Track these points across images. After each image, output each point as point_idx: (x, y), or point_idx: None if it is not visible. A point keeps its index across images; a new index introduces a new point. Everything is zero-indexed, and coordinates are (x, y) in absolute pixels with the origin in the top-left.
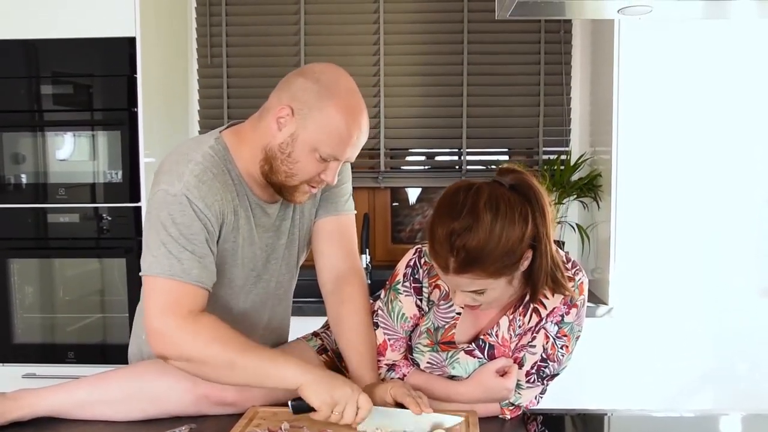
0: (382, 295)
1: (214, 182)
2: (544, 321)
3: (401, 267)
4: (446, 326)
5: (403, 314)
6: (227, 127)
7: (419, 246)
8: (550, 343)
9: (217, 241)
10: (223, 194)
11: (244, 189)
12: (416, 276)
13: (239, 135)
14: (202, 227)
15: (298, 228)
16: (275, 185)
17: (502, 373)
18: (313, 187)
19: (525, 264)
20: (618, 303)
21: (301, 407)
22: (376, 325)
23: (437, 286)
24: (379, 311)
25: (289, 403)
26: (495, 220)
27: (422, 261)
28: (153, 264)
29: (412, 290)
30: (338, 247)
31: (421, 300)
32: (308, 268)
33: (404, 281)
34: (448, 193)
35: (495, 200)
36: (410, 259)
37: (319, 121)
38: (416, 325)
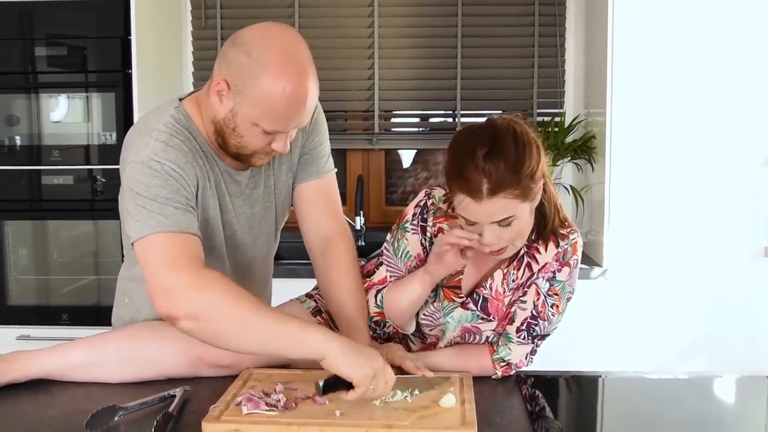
0: (388, 236)
1: (182, 146)
2: (535, 276)
3: (411, 207)
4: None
5: (408, 252)
6: (188, 95)
7: (428, 189)
8: (540, 300)
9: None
10: (193, 158)
11: (211, 156)
12: (425, 215)
13: (198, 104)
14: (179, 186)
15: (274, 195)
16: (231, 155)
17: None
18: (269, 154)
19: (538, 197)
20: (612, 265)
21: (333, 385)
22: (380, 264)
23: (441, 230)
24: (384, 250)
25: (319, 383)
26: (516, 142)
27: (430, 202)
28: (139, 227)
29: (419, 229)
30: (323, 211)
31: (425, 239)
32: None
33: (413, 220)
34: (461, 133)
35: (511, 127)
36: (420, 200)
37: (253, 98)
38: (417, 267)
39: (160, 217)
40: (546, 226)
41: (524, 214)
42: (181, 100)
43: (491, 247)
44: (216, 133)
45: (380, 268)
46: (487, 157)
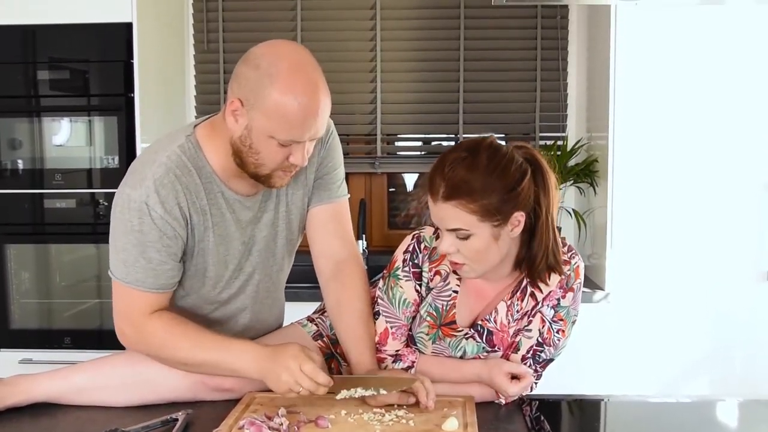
0: (380, 284)
1: (176, 184)
2: (540, 305)
3: (399, 253)
4: (447, 306)
5: (405, 299)
6: (204, 119)
7: (417, 232)
8: (546, 327)
9: (187, 240)
10: (186, 195)
11: (217, 187)
12: (416, 261)
13: (213, 128)
14: (161, 234)
15: (284, 220)
16: (250, 176)
17: (513, 377)
18: (288, 171)
19: (516, 230)
20: (615, 288)
21: None
22: (377, 314)
23: (438, 272)
24: (379, 300)
25: None
26: (491, 161)
27: (422, 246)
28: (113, 267)
29: (411, 275)
30: (335, 235)
31: (420, 285)
32: (304, 254)
33: (404, 267)
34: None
35: (497, 148)
36: (409, 245)
37: (265, 109)
38: (416, 314)
39: (131, 269)
40: (531, 267)
41: (483, 233)
42: (197, 125)
43: (448, 257)
44: (234, 154)
45: (378, 319)
46: (455, 162)
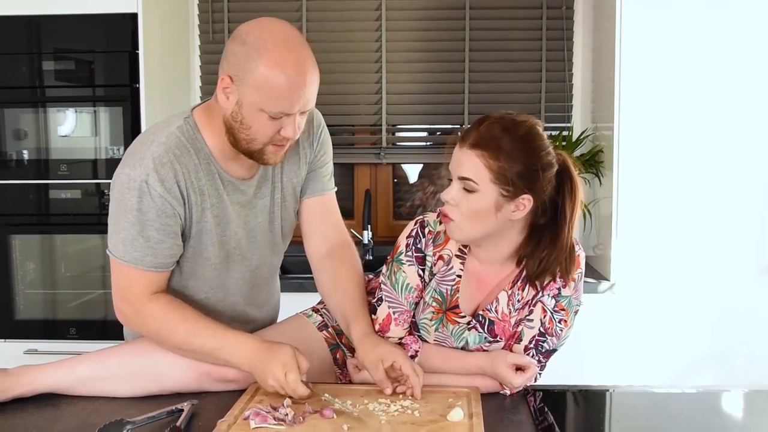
0: (384, 270)
1: (175, 163)
2: (540, 294)
3: (402, 238)
4: (452, 290)
5: (408, 284)
6: (202, 103)
7: (420, 217)
8: (547, 317)
9: (185, 220)
10: (185, 175)
11: (214, 168)
12: (419, 246)
13: (209, 111)
14: (159, 212)
15: (280, 207)
16: (243, 153)
17: (518, 368)
18: (280, 145)
19: (518, 213)
20: (620, 279)
21: None
22: (381, 300)
23: (441, 257)
24: (382, 285)
25: None
26: (528, 135)
27: (425, 231)
28: (113, 246)
29: (414, 260)
30: (327, 224)
31: (423, 270)
32: None
33: (407, 251)
34: None
35: (539, 132)
36: (412, 230)
37: (253, 82)
38: (419, 299)
39: (129, 248)
40: (534, 266)
41: (488, 195)
42: (194, 109)
43: (445, 206)
44: (227, 132)
45: (381, 305)
46: (495, 121)
